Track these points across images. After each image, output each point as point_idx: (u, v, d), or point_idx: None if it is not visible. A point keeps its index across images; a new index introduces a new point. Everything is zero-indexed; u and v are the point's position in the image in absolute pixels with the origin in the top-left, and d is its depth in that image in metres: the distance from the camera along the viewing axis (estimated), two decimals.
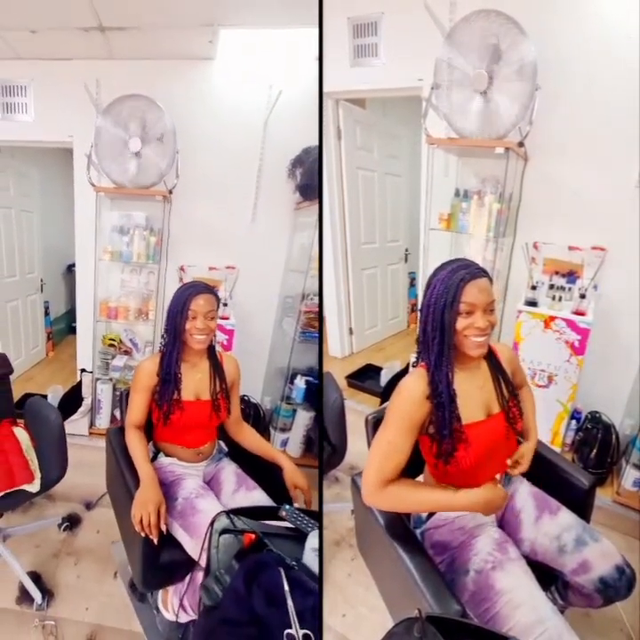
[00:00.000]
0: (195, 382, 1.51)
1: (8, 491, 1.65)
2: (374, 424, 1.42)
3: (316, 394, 2.59)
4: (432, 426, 1.11)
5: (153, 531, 1.27)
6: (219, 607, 0.83)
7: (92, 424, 2.94)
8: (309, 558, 0.91)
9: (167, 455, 1.55)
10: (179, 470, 1.52)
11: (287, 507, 1.10)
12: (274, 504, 1.30)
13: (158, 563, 1.34)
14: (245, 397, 2.59)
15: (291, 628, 0.75)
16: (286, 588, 0.81)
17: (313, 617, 0.79)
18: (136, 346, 2.99)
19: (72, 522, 2.13)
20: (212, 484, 1.55)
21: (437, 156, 2.18)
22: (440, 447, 1.11)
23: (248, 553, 0.91)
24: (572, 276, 2.18)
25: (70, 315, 4.72)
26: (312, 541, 0.93)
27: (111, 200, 2.73)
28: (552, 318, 2.15)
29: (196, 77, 2.57)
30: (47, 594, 1.74)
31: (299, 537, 0.97)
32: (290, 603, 0.79)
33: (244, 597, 0.81)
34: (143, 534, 1.28)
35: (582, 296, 2.10)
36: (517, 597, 1.04)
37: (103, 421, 2.98)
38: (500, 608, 1.03)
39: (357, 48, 2.31)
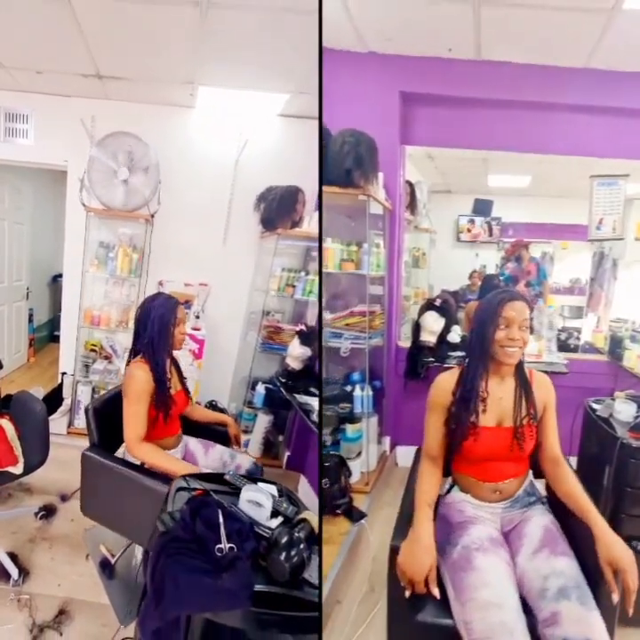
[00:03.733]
0: (496, 404, 1.29)
1: None
2: None
3: (274, 399, 2.80)
4: (452, 418, 1.28)
5: (418, 588, 1.11)
6: (169, 531, 1.07)
7: (70, 423, 3.10)
8: (245, 506, 1.19)
9: (462, 489, 1.33)
10: (469, 511, 1.28)
11: (231, 471, 1.38)
12: (581, 582, 1.09)
13: (414, 621, 1.13)
14: (213, 402, 2.79)
15: (221, 544, 1.02)
16: (220, 517, 1.09)
17: (241, 538, 1.07)
18: (116, 352, 3.16)
19: (48, 511, 2.23)
20: (511, 536, 1.26)
21: (80, 217, 3.00)
22: (454, 434, 1.27)
23: (189, 501, 1.17)
24: (188, 303, 2.91)
25: (52, 323, 4.84)
26: (244, 494, 1.21)
27: (99, 219, 3.01)
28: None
29: (178, 121, 2.96)
30: (23, 572, 1.83)
31: (238, 493, 1.23)
32: (222, 527, 1.07)
33: (189, 524, 1.07)
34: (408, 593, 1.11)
35: (197, 316, 2.92)
36: (489, 579, 1.06)
37: (81, 421, 3.09)
38: (471, 580, 1.07)
39: (8, 130, 2.99)
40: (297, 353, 2.50)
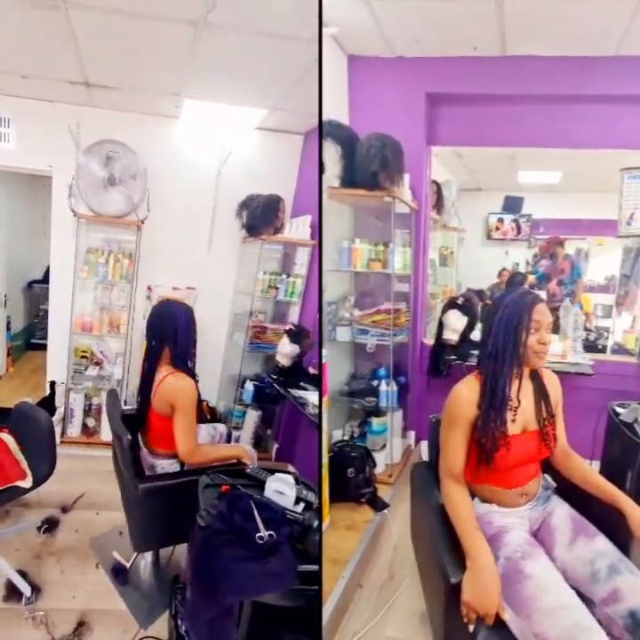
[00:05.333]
0: (521, 409, 1.30)
1: (2, 487, 1.75)
2: (434, 424, 1.53)
3: (262, 395, 3.08)
4: (477, 431, 1.24)
5: (490, 620, 1.07)
6: (209, 526, 1.23)
7: (63, 432, 3.15)
8: (271, 494, 1.33)
9: (484, 500, 1.32)
10: (498, 520, 1.28)
11: (251, 466, 1.55)
12: (621, 555, 1.17)
13: None
14: (204, 401, 2.95)
15: (260, 532, 1.17)
16: (254, 508, 1.24)
17: (276, 524, 1.20)
18: (107, 357, 3.24)
19: (50, 525, 2.24)
20: (542, 533, 1.33)
21: (67, 222, 3.06)
22: (484, 448, 1.23)
23: (221, 496, 1.33)
24: None
25: (28, 331, 4.83)
26: (269, 484, 1.35)
27: (87, 225, 3.13)
28: None
29: (163, 131, 3.22)
30: (34, 589, 1.84)
31: (261, 485, 1.39)
32: (257, 515, 1.22)
33: (227, 517, 1.22)
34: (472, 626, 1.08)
35: None
36: (546, 583, 1.09)
37: (75, 430, 3.19)
38: (529, 590, 1.07)
39: None
40: (287, 350, 2.71)
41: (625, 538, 1.21)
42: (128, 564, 2.02)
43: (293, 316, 3.18)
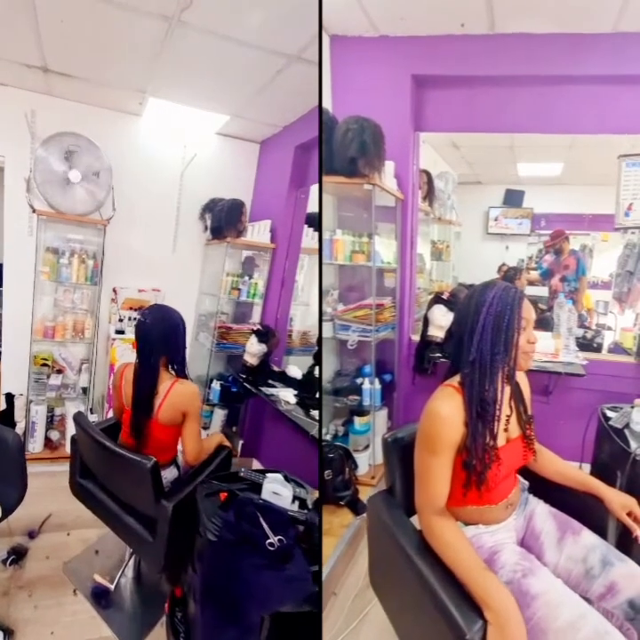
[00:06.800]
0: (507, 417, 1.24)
1: None
2: (394, 444, 1.31)
3: (228, 395, 3.13)
4: (465, 452, 1.09)
5: None
6: (219, 538, 1.17)
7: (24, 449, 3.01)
8: (268, 496, 1.31)
9: (468, 523, 1.19)
10: (488, 541, 1.18)
11: (243, 469, 1.49)
12: (608, 544, 1.16)
13: None
14: None
15: (269, 538, 1.12)
16: (259, 516, 1.18)
17: (282, 527, 1.16)
18: (70, 364, 3.06)
19: (17, 555, 2.04)
20: (528, 540, 1.26)
21: (22, 219, 2.87)
22: (473, 469, 1.08)
23: (227, 503, 1.29)
24: (142, 309, 3.12)
25: None
26: (267, 486, 1.33)
27: (46, 223, 2.95)
28: None
29: (125, 128, 3.17)
30: (6, 633, 1.66)
31: (256, 486, 1.36)
32: (262, 521, 1.17)
33: (235, 525, 1.17)
34: None
35: None
36: (555, 597, 1.02)
37: (37, 445, 2.97)
38: (540, 611, 1.00)
39: None
40: (255, 350, 2.76)
41: (600, 525, 1.21)
42: (112, 586, 1.89)
43: (256, 316, 3.32)
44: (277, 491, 1.27)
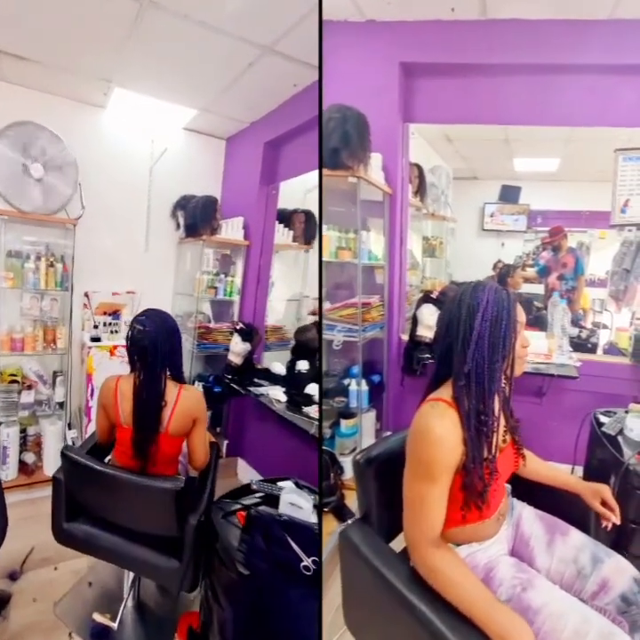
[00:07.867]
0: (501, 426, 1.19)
1: None
2: (367, 465, 1.19)
3: (211, 395, 2.98)
4: (465, 474, 0.98)
5: None
6: (251, 569, 1.05)
7: None
8: (287, 509, 1.21)
9: (460, 543, 1.12)
10: (482, 559, 1.12)
11: (253, 480, 1.42)
12: (595, 541, 1.14)
13: None
14: None
15: (303, 561, 1.01)
16: (288, 537, 1.07)
17: (312, 545, 1.06)
18: (41, 378, 2.80)
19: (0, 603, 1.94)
20: (518, 548, 1.22)
21: None
22: (473, 490, 0.98)
23: (248, 528, 1.17)
24: (116, 313, 3.01)
25: None
26: (284, 497, 1.24)
27: (6, 223, 2.62)
28: (115, 347, 2.79)
29: (88, 120, 3.00)
30: None
31: (271, 499, 1.29)
32: (292, 543, 1.06)
33: (265, 550, 1.05)
34: None
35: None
36: (557, 608, 1.00)
37: (11, 472, 2.67)
38: (545, 625, 0.98)
39: None
40: (239, 349, 2.69)
41: (585, 521, 1.20)
42: (115, 624, 1.69)
43: (234, 314, 3.28)
44: (296, 502, 1.16)
